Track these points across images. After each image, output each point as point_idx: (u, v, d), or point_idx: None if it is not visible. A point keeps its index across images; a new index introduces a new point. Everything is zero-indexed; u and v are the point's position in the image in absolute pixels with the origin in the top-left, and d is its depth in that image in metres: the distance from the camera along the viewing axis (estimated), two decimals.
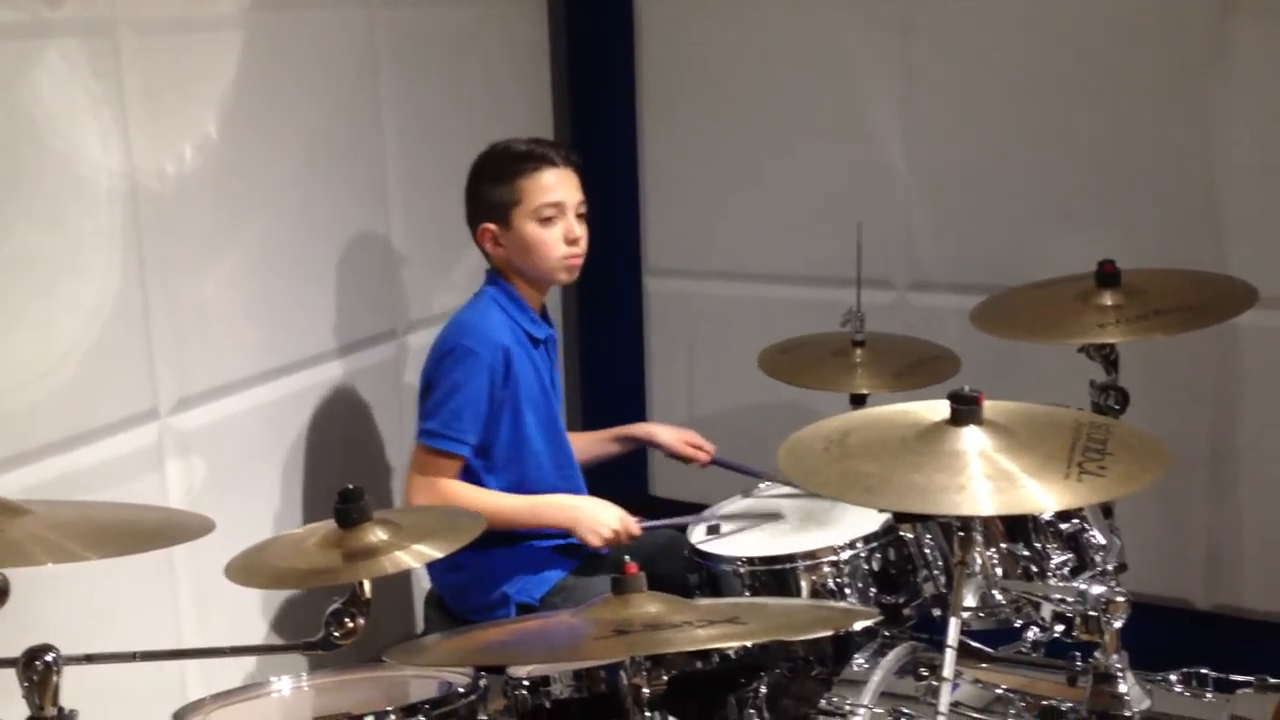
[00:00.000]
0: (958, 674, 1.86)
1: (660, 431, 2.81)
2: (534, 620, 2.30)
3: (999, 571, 2.14)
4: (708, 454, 2.75)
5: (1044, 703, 1.86)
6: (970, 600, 2.13)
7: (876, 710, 1.86)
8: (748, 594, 2.24)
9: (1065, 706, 1.82)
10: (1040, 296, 2.45)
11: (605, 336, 3.61)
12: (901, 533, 2.21)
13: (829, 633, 2.03)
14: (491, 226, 2.53)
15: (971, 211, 2.99)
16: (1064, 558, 2.13)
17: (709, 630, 1.60)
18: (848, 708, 1.87)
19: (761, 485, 2.62)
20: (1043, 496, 1.55)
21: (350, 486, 1.71)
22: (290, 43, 2.66)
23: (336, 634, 1.68)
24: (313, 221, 2.73)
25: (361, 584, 1.67)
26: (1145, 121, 2.78)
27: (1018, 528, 2.14)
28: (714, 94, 3.26)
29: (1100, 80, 2.81)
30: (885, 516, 2.19)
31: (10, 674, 1.52)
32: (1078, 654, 1.89)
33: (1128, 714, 1.73)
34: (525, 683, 1.94)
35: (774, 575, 2.24)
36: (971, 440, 1.62)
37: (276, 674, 1.96)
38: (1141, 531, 2.52)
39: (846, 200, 3.05)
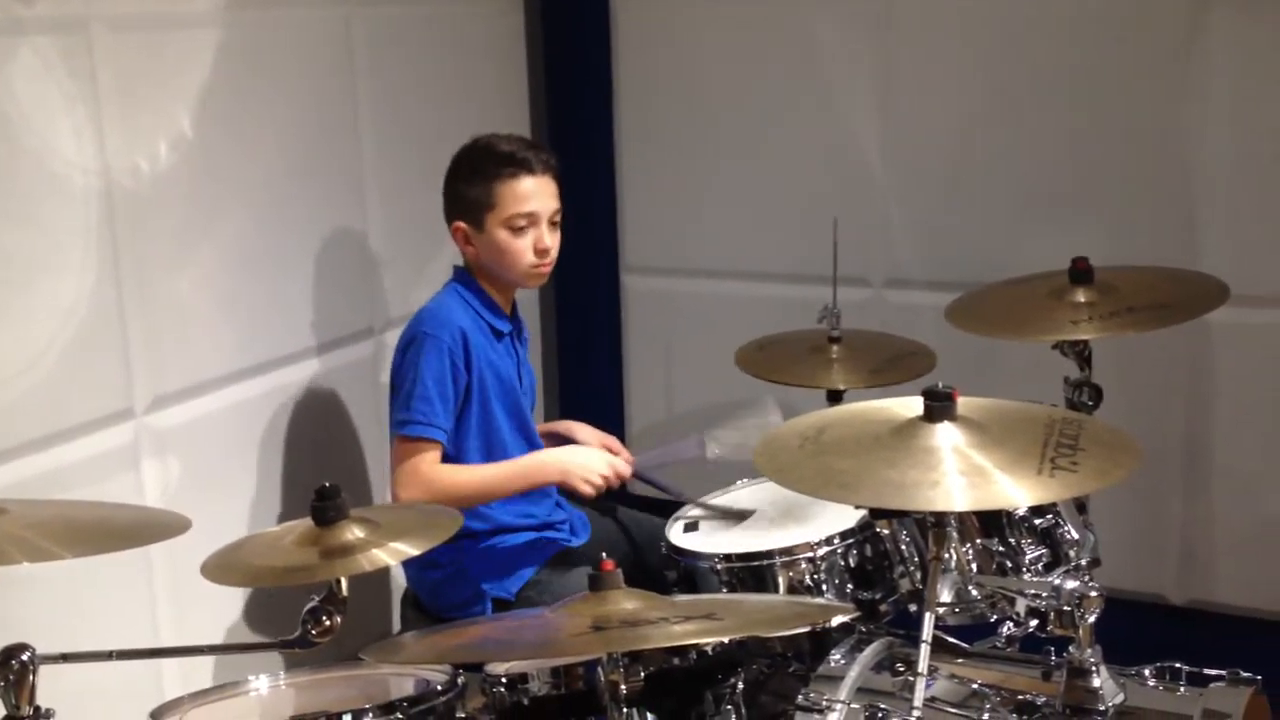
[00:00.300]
0: (933, 669, 1.87)
1: (580, 430, 2.74)
2: (511, 618, 2.30)
3: (974, 567, 2.16)
4: (627, 461, 2.60)
5: (1019, 697, 1.86)
6: (946, 596, 2.15)
7: (853, 705, 1.86)
8: (725, 590, 2.25)
9: (1040, 701, 1.83)
10: (1014, 293, 2.46)
11: (583, 334, 3.60)
12: (878, 529, 2.21)
13: (806, 629, 2.04)
14: (464, 225, 2.52)
15: (947, 209, 3.01)
16: (1038, 553, 2.15)
17: (686, 626, 1.60)
18: (825, 703, 1.87)
19: (739, 481, 2.61)
20: (1016, 492, 1.56)
21: (327, 484, 1.71)
22: (266, 40, 2.65)
23: (314, 632, 1.68)
24: (289, 219, 2.72)
25: (339, 582, 1.67)
26: (1119, 120, 2.80)
27: (992, 523, 2.15)
28: (691, 91, 3.26)
29: (1075, 78, 2.83)
30: (862, 513, 2.20)
31: None
32: (1052, 649, 1.90)
33: (1101, 708, 1.75)
34: (503, 680, 1.94)
35: (751, 571, 2.24)
36: (946, 436, 1.63)
37: (254, 673, 1.96)
38: (1115, 527, 2.54)
39: (823, 198, 3.05)
